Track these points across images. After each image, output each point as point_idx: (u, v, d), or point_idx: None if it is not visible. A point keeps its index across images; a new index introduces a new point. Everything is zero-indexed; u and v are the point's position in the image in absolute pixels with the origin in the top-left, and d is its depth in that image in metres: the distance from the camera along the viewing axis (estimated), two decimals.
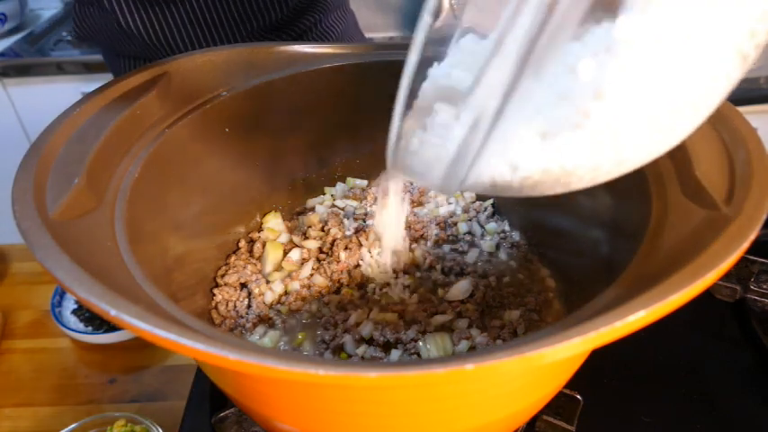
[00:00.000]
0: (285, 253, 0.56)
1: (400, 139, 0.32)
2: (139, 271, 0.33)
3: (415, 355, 0.47)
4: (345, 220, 0.59)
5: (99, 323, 0.70)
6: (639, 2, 0.24)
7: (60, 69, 1.38)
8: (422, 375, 0.24)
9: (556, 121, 0.27)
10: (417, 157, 0.32)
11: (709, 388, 0.51)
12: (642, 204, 0.37)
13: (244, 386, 0.36)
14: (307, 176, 0.63)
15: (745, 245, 0.28)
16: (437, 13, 0.28)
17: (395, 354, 0.47)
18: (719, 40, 0.25)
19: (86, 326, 0.70)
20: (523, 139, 0.28)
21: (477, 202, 0.63)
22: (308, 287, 0.54)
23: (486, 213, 0.62)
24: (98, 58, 1.30)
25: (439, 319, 0.49)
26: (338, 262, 0.55)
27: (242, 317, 0.52)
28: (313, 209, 0.62)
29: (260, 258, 0.56)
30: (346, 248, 0.55)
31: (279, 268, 0.55)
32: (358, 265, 0.55)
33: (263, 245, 0.57)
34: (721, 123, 0.37)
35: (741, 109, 0.38)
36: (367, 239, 0.56)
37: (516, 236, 0.59)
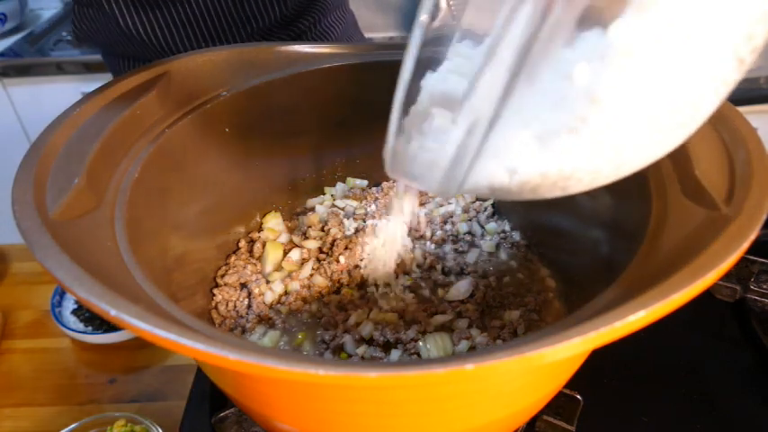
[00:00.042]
0: (285, 253, 0.56)
1: (398, 143, 0.32)
2: (139, 271, 0.33)
3: (415, 355, 0.47)
4: (345, 220, 0.59)
5: (99, 323, 0.70)
6: (634, 7, 0.24)
7: (60, 69, 1.38)
8: (422, 375, 0.24)
9: (552, 126, 0.27)
10: (415, 161, 0.32)
11: (709, 388, 0.51)
12: (642, 204, 0.37)
13: (244, 386, 0.36)
14: (307, 176, 0.63)
15: (745, 245, 0.28)
16: (434, 14, 0.28)
17: (395, 354, 0.47)
18: (716, 44, 0.25)
19: (86, 326, 0.70)
20: (520, 144, 0.28)
21: (477, 202, 0.63)
22: (308, 287, 0.54)
23: (486, 213, 0.62)
24: (98, 58, 1.30)
25: (439, 319, 0.49)
26: (338, 262, 0.55)
27: (242, 317, 0.52)
28: (313, 209, 0.62)
29: (260, 258, 0.56)
30: (346, 248, 0.55)
31: (279, 268, 0.55)
32: (358, 265, 0.55)
33: (263, 245, 0.57)
34: (721, 123, 0.37)
35: (741, 109, 0.38)
36: (366, 239, 0.56)
37: (516, 236, 0.59)
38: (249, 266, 0.55)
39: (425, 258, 0.56)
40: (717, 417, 0.49)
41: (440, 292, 0.53)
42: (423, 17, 0.27)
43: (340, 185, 0.64)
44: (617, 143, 0.27)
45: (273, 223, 0.60)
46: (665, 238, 0.33)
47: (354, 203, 0.62)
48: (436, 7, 0.28)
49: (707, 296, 0.59)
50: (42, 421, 0.61)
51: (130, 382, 0.65)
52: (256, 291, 0.53)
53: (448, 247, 0.58)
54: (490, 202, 0.63)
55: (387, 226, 0.57)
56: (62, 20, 1.64)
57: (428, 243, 0.58)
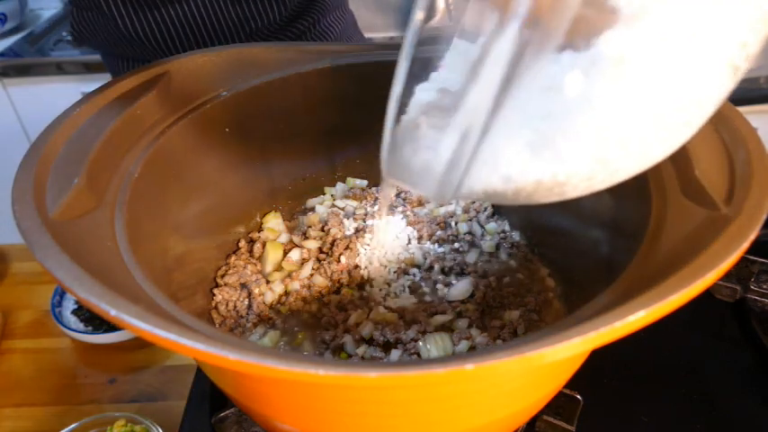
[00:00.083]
0: (285, 253, 0.56)
1: (393, 148, 0.32)
2: (139, 271, 0.33)
3: (415, 355, 0.47)
4: (345, 220, 0.59)
5: (99, 323, 0.70)
6: (625, 18, 0.24)
7: (60, 69, 1.38)
8: (422, 375, 0.24)
9: (544, 134, 0.27)
10: (410, 167, 0.32)
11: (709, 388, 0.51)
12: (642, 204, 0.37)
13: (244, 386, 0.36)
14: (307, 176, 0.63)
15: (745, 245, 0.28)
16: (429, 16, 0.28)
17: (395, 354, 0.47)
18: (710, 52, 0.24)
19: (86, 326, 0.70)
20: (513, 153, 0.28)
21: (477, 203, 0.63)
22: (308, 287, 0.54)
23: (486, 213, 0.62)
24: (98, 58, 1.29)
25: (439, 319, 0.49)
26: (338, 262, 0.55)
27: (242, 317, 0.52)
28: (313, 209, 0.62)
29: (260, 258, 0.56)
30: (346, 248, 0.55)
31: (279, 268, 0.55)
32: (358, 265, 0.55)
33: (263, 245, 0.57)
34: (721, 123, 0.37)
35: (741, 109, 0.38)
36: (366, 239, 0.56)
37: (516, 236, 0.59)
38: (249, 266, 0.55)
39: (425, 258, 0.56)
40: (717, 417, 0.49)
41: (440, 292, 0.53)
42: (417, 17, 0.27)
43: (340, 185, 0.64)
44: (609, 151, 0.27)
45: (273, 223, 0.60)
46: (664, 238, 0.33)
47: (354, 203, 0.62)
48: (432, 8, 0.27)
49: (707, 296, 0.59)
50: (42, 421, 0.61)
51: (130, 382, 0.65)
52: (256, 291, 0.53)
53: (448, 247, 0.58)
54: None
55: (387, 226, 0.57)
56: (62, 20, 1.64)
57: (428, 243, 0.58)
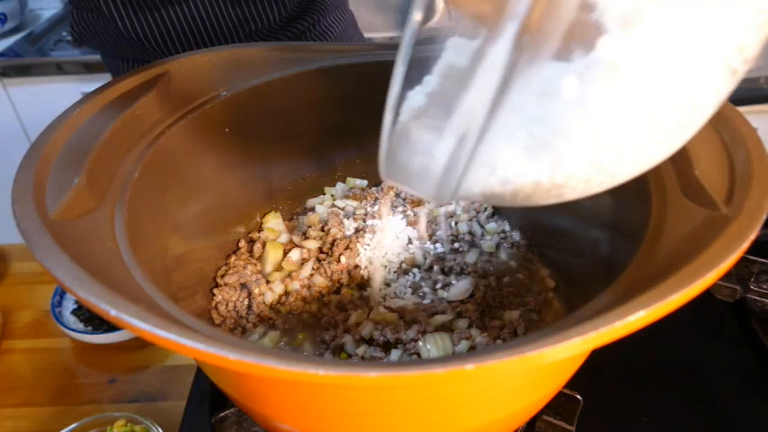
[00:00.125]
0: (285, 253, 0.56)
1: (390, 151, 0.32)
2: (139, 271, 0.33)
3: (415, 355, 0.47)
4: (345, 220, 0.59)
5: (99, 323, 0.70)
6: (621, 23, 0.24)
7: (60, 69, 1.38)
8: (422, 375, 0.24)
9: (541, 137, 0.27)
10: (407, 169, 0.32)
11: (709, 388, 0.51)
12: (642, 204, 0.37)
13: (244, 386, 0.36)
14: (307, 176, 0.63)
15: (745, 245, 0.28)
16: (428, 16, 0.28)
17: (395, 354, 0.47)
18: (706, 55, 0.24)
19: (86, 326, 0.70)
20: (510, 155, 0.28)
21: (477, 203, 0.63)
22: (308, 287, 0.54)
23: (486, 213, 0.62)
24: (98, 58, 1.29)
25: (439, 319, 0.49)
26: (338, 262, 0.55)
27: (242, 317, 0.52)
28: (313, 209, 0.62)
29: (260, 258, 0.56)
30: (346, 248, 0.55)
31: (279, 268, 0.55)
32: (358, 265, 0.55)
33: (263, 245, 0.57)
34: (721, 123, 0.37)
35: (741, 109, 0.38)
36: (366, 239, 0.56)
37: (516, 236, 0.59)
38: (249, 266, 0.55)
39: (425, 258, 0.56)
40: (717, 417, 0.49)
41: (440, 292, 0.53)
42: (416, 17, 0.27)
43: (340, 185, 0.64)
44: (605, 154, 0.27)
45: (273, 223, 0.60)
46: (664, 238, 0.33)
47: (354, 203, 0.62)
48: (431, 8, 0.27)
49: (707, 296, 0.59)
50: (42, 421, 0.61)
51: (130, 382, 0.65)
52: (256, 291, 0.53)
53: (448, 247, 0.58)
54: None
55: (387, 226, 0.57)
56: (62, 20, 1.64)
57: (428, 243, 0.58)
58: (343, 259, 0.54)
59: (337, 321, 0.50)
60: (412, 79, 0.30)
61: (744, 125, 0.37)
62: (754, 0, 0.24)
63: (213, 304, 0.52)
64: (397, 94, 0.29)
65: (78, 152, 0.38)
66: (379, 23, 1.59)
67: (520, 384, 0.35)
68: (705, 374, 0.53)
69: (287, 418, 0.36)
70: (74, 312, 0.72)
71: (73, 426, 0.55)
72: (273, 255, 0.55)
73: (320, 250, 0.57)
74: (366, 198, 0.63)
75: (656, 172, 0.38)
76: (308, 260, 0.56)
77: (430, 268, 0.56)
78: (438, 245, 0.58)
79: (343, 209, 0.62)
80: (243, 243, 0.58)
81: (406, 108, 0.31)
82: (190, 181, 0.49)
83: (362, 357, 0.47)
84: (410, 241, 0.58)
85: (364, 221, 0.59)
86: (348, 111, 0.57)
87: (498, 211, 0.62)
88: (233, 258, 0.56)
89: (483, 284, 0.53)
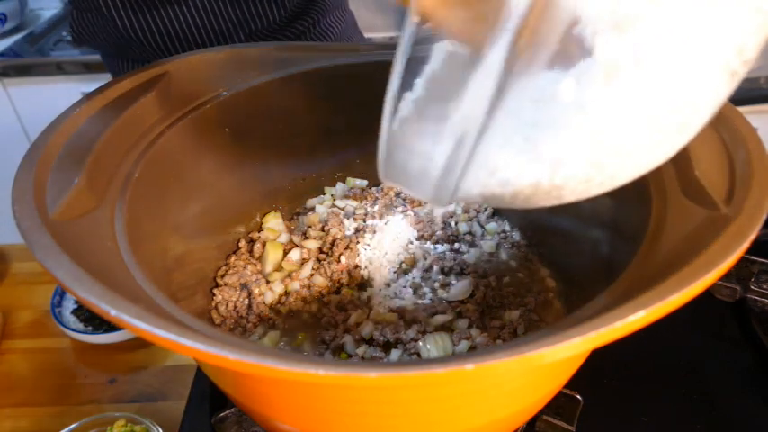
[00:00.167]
0: (285, 253, 0.56)
1: (389, 152, 0.32)
2: (139, 271, 0.33)
3: (415, 355, 0.47)
4: (345, 220, 0.59)
5: (99, 323, 0.70)
6: (618, 25, 0.24)
7: (60, 69, 1.38)
8: (422, 375, 0.24)
9: (539, 139, 0.27)
10: (406, 171, 0.32)
11: (709, 388, 0.51)
12: (642, 204, 0.37)
13: (244, 386, 0.36)
14: (307, 176, 0.63)
15: (745, 245, 0.28)
16: (425, 19, 0.28)
17: (395, 354, 0.47)
18: (705, 57, 0.24)
19: (86, 326, 0.70)
20: (509, 156, 0.28)
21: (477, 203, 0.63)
22: (308, 287, 0.54)
23: (487, 213, 0.62)
24: (98, 58, 1.29)
25: (439, 319, 0.49)
26: (338, 262, 0.55)
27: (242, 317, 0.52)
28: (313, 209, 0.62)
29: (260, 258, 0.56)
30: (346, 248, 0.55)
31: (279, 268, 0.55)
32: (358, 265, 0.55)
33: (263, 245, 0.57)
34: (721, 123, 0.37)
35: (741, 109, 0.38)
36: (365, 239, 0.56)
37: (516, 236, 0.59)
38: (249, 266, 0.55)
39: (425, 258, 0.56)
40: (717, 417, 0.49)
41: (440, 292, 0.53)
42: (413, 19, 0.27)
43: (340, 185, 0.64)
44: (604, 155, 0.27)
45: (273, 223, 0.60)
46: (664, 238, 0.33)
47: (354, 203, 0.62)
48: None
49: (707, 296, 0.59)
50: (42, 421, 0.61)
51: (130, 382, 0.65)
52: (256, 291, 0.53)
53: (448, 247, 0.58)
54: None
55: (387, 226, 0.57)
56: (62, 20, 1.64)
57: (428, 243, 0.58)
58: (343, 259, 0.54)
59: (337, 321, 0.50)
60: (410, 80, 0.30)
61: (744, 125, 0.37)
62: (754, 0, 0.23)
63: (213, 304, 0.52)
64: (394, 96, 0.29)
65: (78, 152, 0.38)
66: (379, 23, 1.59)
67: (520, 384, 0.35)
68: (705, 374, 0.53)
69: (287, 418, 0.36)
70: (74, 312, 0.72)
71: (73, 426, 0.55)
72: (273, 255, 0.55)
73: (320, 250, 0.57)
74: (366, 198, 0.63)
75: (656, 172, 0.37)
76: (308, 260, 0.56)
77: (430, 268, 0.56)
78: (438, 245, 0.58)
79: (343, 209, 0.62)
80: (243, 243, 0.58)
81: (404, 109, 0.31)
82: (190, 181, 0.49)
83: (362, 357, 0.47)
84: (410, 241, 0.58)
85: (364, 221, 0.59)
86: (348, 111, 0.57)
87: (498, 212, 0.62)
88: (233, 258, 0.56)
89: (483, 284, 0.53)
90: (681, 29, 0.24)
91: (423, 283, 0.54)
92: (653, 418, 0.49)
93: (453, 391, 0.32)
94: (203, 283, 0.53)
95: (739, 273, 0.60)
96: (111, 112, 0.42)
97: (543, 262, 0.56)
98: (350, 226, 0.58)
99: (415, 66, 0.29)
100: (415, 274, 0.55)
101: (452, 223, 0.60)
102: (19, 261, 0.83)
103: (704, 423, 0.49)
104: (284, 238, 0.58)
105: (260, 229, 0.60)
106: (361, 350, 0.47)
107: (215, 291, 0.53)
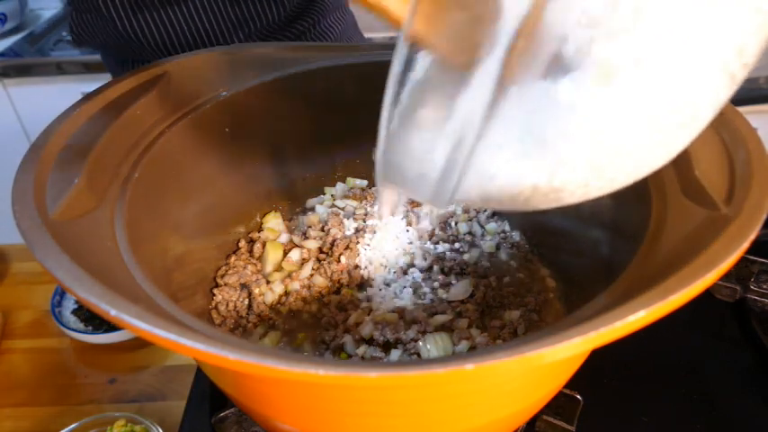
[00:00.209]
0: (285, 253, 0.56)
1: (388, 153, 0.32)
2: (139, 271, 0.33)
3: (415, 355, 0.47)
4: (345, 220, 0.59)
5: (99, 323, 0.70)
6: (618, 27, 0.24)
7: (60, 69, 1.38)
8: (422, 375, 0.24)
9: (537, 141, 0.27)
10: (404, 172, 0.32)
11: (709, 388, 0.51)
12: (642, 205, 0.37)
13: (244, 386, 0.36)
14: (307, 176, 0.63)
15: (745, 245, 0.28)
16: None
17: (395, 354, 0.47)
18: (706, 58, 0.24)
19: (86, 326, 0.70)
20: (507, 159, 0.28)
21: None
22: (309, 287, 0.54)
23: (486, 213, 0.62)
24: (98, 58, 1.29)
25: (439, 319, 0.49)
26: (338, 262, 0.55)
27: (242, 317, 0.52)
28: (313, 209, 0.62)
29: (260, 258, 0.56)
30: (346, 248, 0.55)
31: (279, 268, 0.55)
32: (358, 265, 0.55)
33: (263, 245, 0.57)
34: (721, 124, 0.37)
35: (741, 109, 0.38)
36: (365, 239, 0.56)
37: (516, 236, 0.59)
38: (249, 266, 0.55)
39: (425, 258, 0.56)
40: (717, 417, 0.49)
41: (440, 292, 0.53)
42: (405, 42, 0.27)
43: (340, 185, 0.64)
44: (603, 157, 0.27)
45: (273, 223, 0.60)
46: (664, 238, 0.33)
47: (354, 203, 0.62)
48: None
49: (707, 296, 0.59)
50: (42, 421, 0.61)
51: (130, 382, 0.65)
52: (256, 291, 0.53)
53: (448, 247, 0.58)
54: None
55: (387, 226, 0.57)
56: (62, 20, 1.64)
57: (428, 243, 0.58)
58: (343, 259, 0.54)
59: (337, 321, 0.50)
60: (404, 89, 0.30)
61: (744, 125, 0.37)
62: (754, 0, 0.23)
63: (213, 304, 0.52)
64: (391, 99, 0.29)
65: (78, 152, 0.38)
66: (379, 23, 1.58)
67: (520, 384, 0.35)
68: (705, 374, 0.53)
69: (287, 418, 0.36)
70: (74, 312, 0.72)
71: (73, 426, 0.55)
72: (273, 255, 0.55)
73: (320, 250, 0.57)
74: (366, 198, 0.63)
75: (656, 172, 0.37)
76: (308, 260, 0.56)
77: (430, 268, 0.56)
78: (438, 245, 0.58)
79: (343, 209, 0.62)
80: (243, 243, 0.58)
81: (402, 110, 0.31)
82: (190, 181, 0.49)
83: (362, 357, 0.47)
84: (410, 241, 0.58)
85: (364, 221, 0.59)
86: (348, 111, 0.57)
87: (498, 212, 0.62)
88: (233, 258, 0.56)
89: (483, 284, 0.53)
90: (681, 29, 0.24)
91: (423, 283, 0.54)
92: (653, 418, 0.49)
93: (453, 391, 0.32)
94: (203, 283, 0.53)
95: (739, 273, 0.60)
96: (111, 112, 0.42)
97: (543, 262, 0.56)
98: (350, 226, 0.58)
99: (410, 72, 0.29)
100: (415, 274, 0.55)
101: (452, 223, 0.60)
102: (19, 261, 0.83)
103: (704, 423, 0.49)
104: (284, 238, 0.58)
105: (260, 229, 0.60)
106: (362, 350, 0.47)
107: (215, 291, 0.53)
